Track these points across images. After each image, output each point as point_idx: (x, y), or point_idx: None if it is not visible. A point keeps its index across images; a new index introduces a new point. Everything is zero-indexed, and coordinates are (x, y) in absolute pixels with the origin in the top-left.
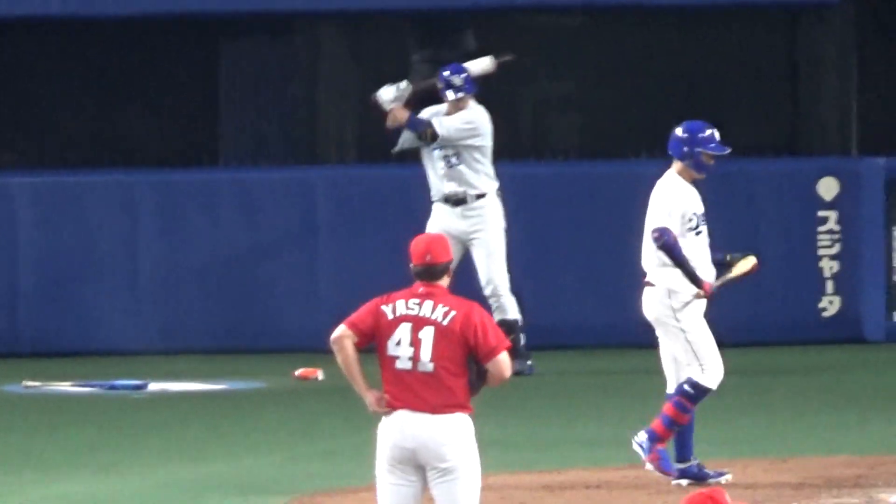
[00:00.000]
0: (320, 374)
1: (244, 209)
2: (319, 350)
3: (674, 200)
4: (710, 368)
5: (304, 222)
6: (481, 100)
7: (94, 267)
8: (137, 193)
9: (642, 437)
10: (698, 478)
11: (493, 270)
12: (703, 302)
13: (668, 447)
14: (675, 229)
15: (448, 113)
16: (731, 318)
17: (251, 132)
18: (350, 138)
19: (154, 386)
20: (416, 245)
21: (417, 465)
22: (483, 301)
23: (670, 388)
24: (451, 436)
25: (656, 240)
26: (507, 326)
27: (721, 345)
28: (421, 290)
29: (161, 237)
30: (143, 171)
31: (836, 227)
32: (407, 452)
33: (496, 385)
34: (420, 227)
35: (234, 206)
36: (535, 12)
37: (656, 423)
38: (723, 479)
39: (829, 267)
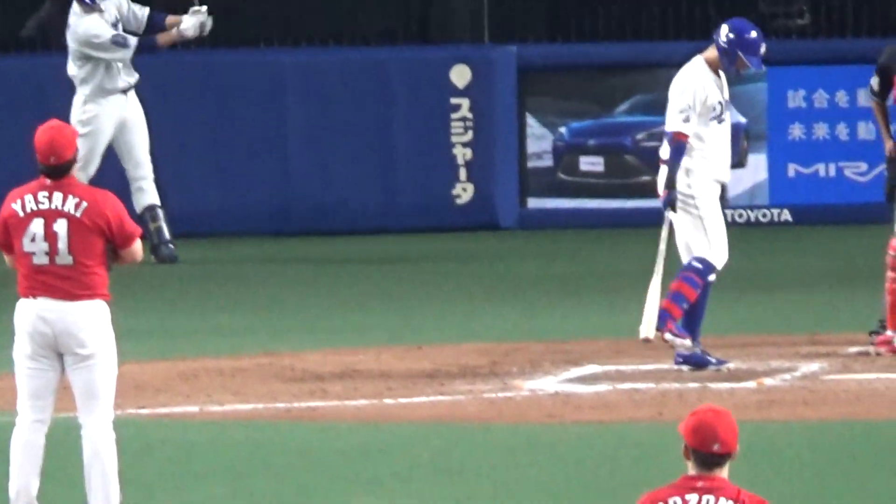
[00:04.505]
0: None
1: None
2: None
3: (696, 90)
4: (717, 248)
5: None
6: None
7: None
8: None
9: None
10: (700, 364)
11: (146, 154)
12: (718, 186)
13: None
14: (695, 118)
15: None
16: (363, 205)
17: None
18: None
19: None
20: (40, 144)
21: (57, 352)
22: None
23: None
24: (90, 321)
25: (669, 139)
26: (153, 211)
27: (349, 232)
28: (48, 182)
29: None
30: None
31: (469, 115)
32: (46, 338)
33: (127, 264)
34: (53, 116)
35: None
36: None
37: (665, 302)
38: (724, 368)
39: (462, 154)
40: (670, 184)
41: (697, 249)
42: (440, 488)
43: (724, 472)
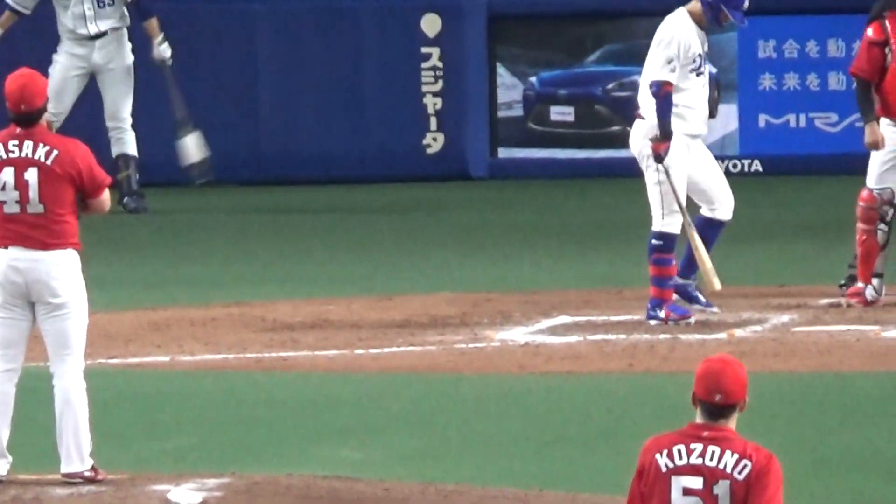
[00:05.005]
0: None
1: None
2: None
3: (681, 40)
4: (670, 214)
5: None
6: None
7: None
8: None
9: (649, 310)
10: (689, 299)
11: (122, 105)
12: (692, 140)
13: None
14: (678, 69)
15: None
16: (333, 154)
17: None
18: None
19: None
20: (10, 91)
21: (28, 301)
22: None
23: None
24: (62, 270)
25: (654, 93)
26: (126, 161)
27: (319, 182)
28: (19, 131)
29: None
30: None
31: (440, 64)
32: (18, 288)
33: (95, 213)
34: (24, 64)
35: None
36: None
37: (651, 290)
38: (707, 311)
39: (432, 104)
40: (665, 136)
41: (652, 219)
42: (411, 438)
43: (731, 423)
